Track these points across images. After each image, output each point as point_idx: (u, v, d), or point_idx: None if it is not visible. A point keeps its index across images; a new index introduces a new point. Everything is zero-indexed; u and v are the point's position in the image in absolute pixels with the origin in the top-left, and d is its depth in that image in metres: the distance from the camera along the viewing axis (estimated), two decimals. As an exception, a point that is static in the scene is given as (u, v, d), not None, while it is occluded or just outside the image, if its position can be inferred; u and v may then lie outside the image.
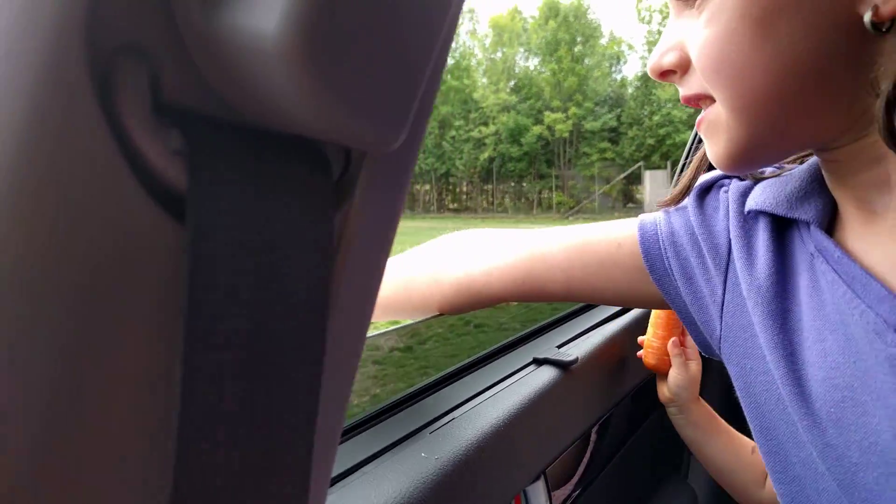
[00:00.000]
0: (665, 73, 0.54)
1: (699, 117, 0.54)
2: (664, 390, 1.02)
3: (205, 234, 0.19)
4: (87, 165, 0.17)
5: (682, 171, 1.34)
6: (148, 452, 0.20)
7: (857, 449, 0.47)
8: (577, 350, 0.90)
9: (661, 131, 42.48)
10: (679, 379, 0.99)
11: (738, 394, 0.60)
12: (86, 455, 0.18)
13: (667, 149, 44.39)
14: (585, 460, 0.97)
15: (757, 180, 0.62)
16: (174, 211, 0.19)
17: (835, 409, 0.48)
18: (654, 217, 0.69)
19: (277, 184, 0.21)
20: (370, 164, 0.25)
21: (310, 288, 0.22)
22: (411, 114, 0.22)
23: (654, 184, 34.28)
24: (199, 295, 0.19)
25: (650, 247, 0.66)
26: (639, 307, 0.80)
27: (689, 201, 0.66)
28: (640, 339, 1.05)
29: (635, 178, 46.12)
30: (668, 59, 0.53)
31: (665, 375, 1.01)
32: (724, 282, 0.60)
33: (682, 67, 0.53)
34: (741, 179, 0.63)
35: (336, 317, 0.25)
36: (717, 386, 1.25)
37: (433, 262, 0.78)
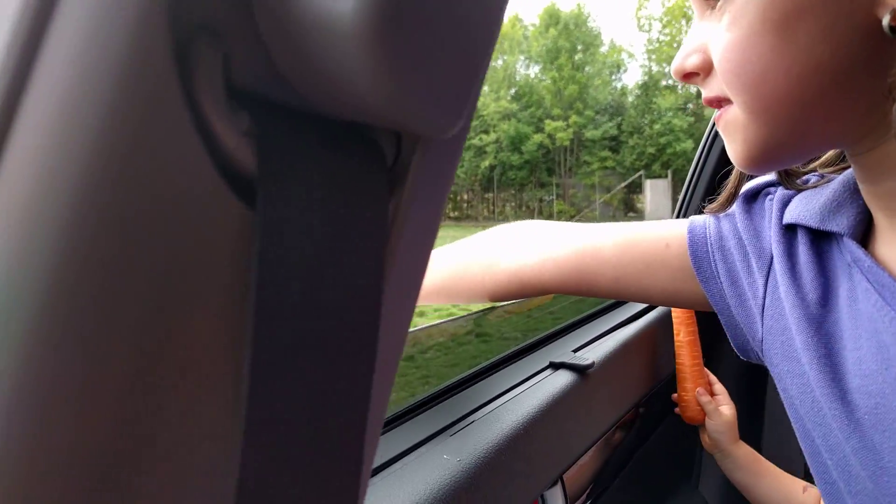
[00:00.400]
0: (688, 76, 0.55)
1: (716, 115, 0.55)
2: (705, 438, 1.04)
3: (273, 219, 0.19)
4: (169, 145, 0.17)
5: (691, 180, 1.34)
6: (221, 426, 0.21)
7: (890, 453, 0.48)
8: (593, 354, 0.90)
9: (662, 140, 42.62)
10: (714, 425, 1.02)
11: (781, 396, 0.61)
12: (166, 428, 0.19)
13: (667, 158, 44.54)
14: (598, 467, 0.96)
15: (799, 190, 0.63)
16: (241, 194, 0.20)
17: (868, 416, 0.49)
18: (703, 220, 0.70)
19: (338, 170, 0.21)
20: (422, 152, 0.25)
21: (366, 274, 0.22)
22: (471, 100, 0.22)
23: (654, 193, 33.99)
24: (268, 275, 0.19)
25: (698, 249, 0.68)
26: (682, 307, 0.83)
27: (736, 207, 0.67)
28: (673, 395, 1.08)
29: (636, 187, 46.16)
30: (692, 62, 0.54)
31: (704, 425, 1.05)
32: (766, 285, 0.61)
33: (705, 70, 0.53)
34: (786, 187, 0.64)
35: (383, 305, 0.25)
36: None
37: (488, 251, 0.80)
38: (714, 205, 0.69)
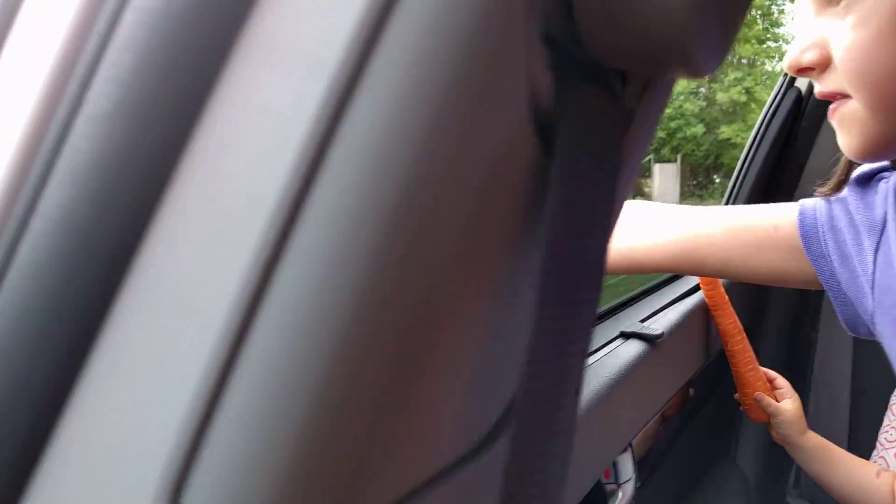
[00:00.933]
0: (803, 70, 0.56)
1: (832, 107, 0.56)
2: (774, 433, 1.06)
3: (568, 161, 0.19)
4: (506, 84, 0.17)
5: (742, 167, 1.35)
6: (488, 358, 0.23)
7: None
8: (659, 325, 0.92)
9: (673, 124, 41.93)
10: (779, 422, 1.03)
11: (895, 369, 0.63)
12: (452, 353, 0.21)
13: (677, 142, 43.97)
14: (651, 438, 0.98)
15: None
16: (540, 136, 0.19)
17: None
18: (813, 203, 0.73)
19: (601, 113, 0.21)
20: (651, 96, 0.24)
21: (606, 220, 0.22)
22: (730, 44, 0.21)
23: (663, 177, 33.58)
24: (559, 220, 0.19)
25: (808, 229, 0.71)
26: (791, 285, 0.86)
27: (847, 191, 0.71)
28: (735, 396, 1.11)
29: (644, 171, 46.03)
30: (808, 57, 0.54)
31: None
32: (874, 261, 0.64)
33: (822, 65, 0.54)
34: None
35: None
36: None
37: None
38: (825, 188, 0.72)
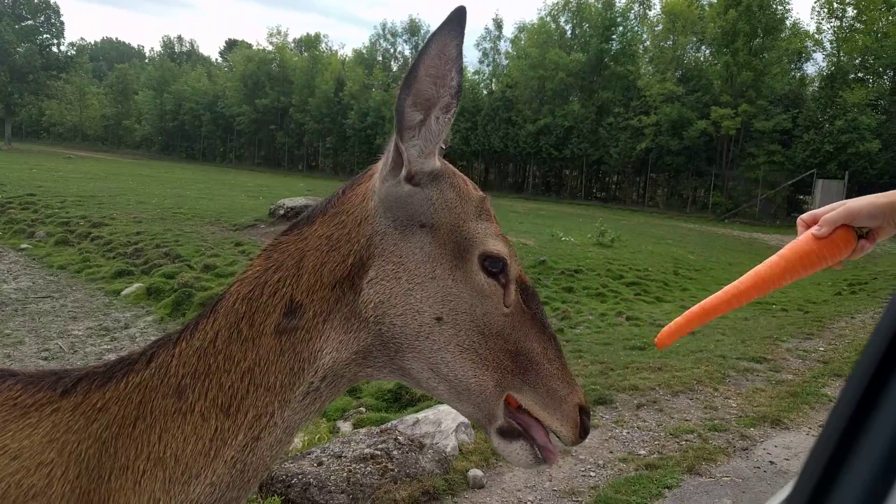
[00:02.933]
0: None
1: None
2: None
3: None
4: None
5: None
6: None
7: None
8: None
9: (844, 138, 35.19)
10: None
11: None
12: None
13: (847, 157, 36.43)
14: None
15: None
16: None
17: None
18: None
19: None
20: None
21: None
22: None
23: (825, 195, 36.38)
24: None
25: None
26: None
27: None
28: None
29: (804, 187, 34.56)
30: None
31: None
32: None
33: None
34: None
35: None
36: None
37: None
38: None
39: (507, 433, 1.33)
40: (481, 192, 1.41)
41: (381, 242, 1.30)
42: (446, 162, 1.41)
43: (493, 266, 1.31)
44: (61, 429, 1.19)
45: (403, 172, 1.30)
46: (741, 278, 1.43)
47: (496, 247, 1.32)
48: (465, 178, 1.41)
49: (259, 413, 1.23)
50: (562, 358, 1.36)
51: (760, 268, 1.41)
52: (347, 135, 64.02)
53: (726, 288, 1.43)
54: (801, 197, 41.72)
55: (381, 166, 1.33)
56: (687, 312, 1.47)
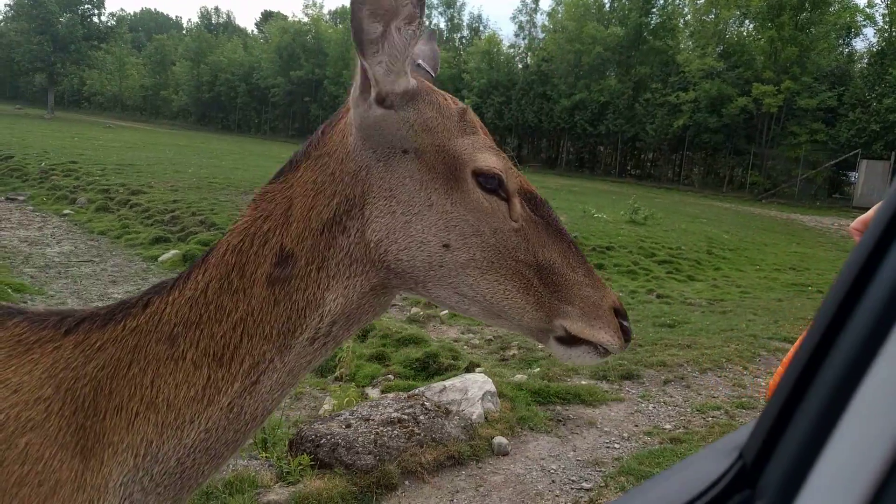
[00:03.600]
0: None
1: None
2: None
3: None
4: None
5: None
6: None
7: None
8: None
9: (892, 117, 33.51)
10: None
11: None
12: None
13: (894, 137, 34.30)
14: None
15: None
16: None
17: None
18: None
19: None
20: None
21: None
22: None
23: (870, 175, 35.09)
24: None
25: None
26: None
27: None
28: None
29: (848, 167, 33.46)
30: None
31: None
32: None
33: None
34: None
35: None
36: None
37: None
38: None
39: (566, 340, 1.30)
40: (462, 104, 1.34)
41: (366, 178, 1.25)
42: (422, 80, 1.34)
43: (489, 183, 1.26)
44: (60, 365, 1.21)
45: (373, 94, 1.23)
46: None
47: (487, 162, 1.26)
48: (444, 93, 1.35)
49: (256, 361, 1.22)
50: (585, 263, 1.31)
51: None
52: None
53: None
54: (844, 176, 40.25)
55: (352, 92, 1.27)
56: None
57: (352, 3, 1.15)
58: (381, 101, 1.24)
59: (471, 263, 1.24)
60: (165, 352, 1.22)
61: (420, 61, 1.54)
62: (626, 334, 1.29)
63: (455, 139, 1.27)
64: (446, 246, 1.24)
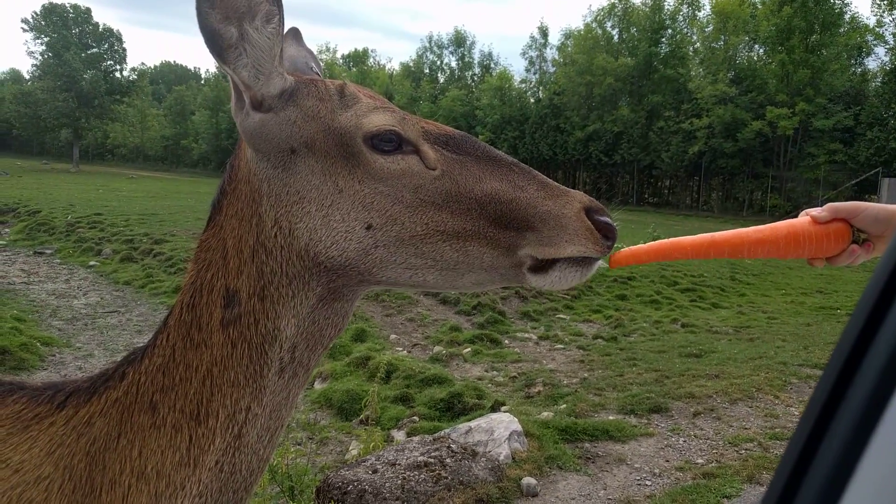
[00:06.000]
0: None
1: None
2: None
3: None
4: None
5: None
6: None
7: None
8: None
9: None
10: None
11: None
12: None
13: None
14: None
15: None
16: None
17: None
18: None
19: None
20: None
21: None
22: None
23: (892, 193, 34.53)
24: None
25: None
26: None
27: None
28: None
29: (869, 186, 33.06)
30: None
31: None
32: None
33: None
34: None
35: None
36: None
37: None
38: None
39: (539, 267, 1.22)
40: (339, 81, 1.29)
41: (270, 189, 1.21)
42: (300, 76, 1.30)
43: (386, 143, 1.20)
44: (56, 443, 1.21)
45: (246, 100, 1.19)
46: (724, 232, 1.34)
47: (373, 122, 1.21)
48: (325, 79, 1.30)
49: (231, 412, 1.20)
50: (536, 178, 1.23)
51: (746, 229, 1.32)
52: (396, 147, 64.64)
53: (704, 235, 1.33)
54: (866, 196, 39.28)
55: (231, 104, 1.23)
56: (655, 242, 1.37)
57: (198, 10, 1.09)
58: (258, 105, 1.20)
59: (405, 233, 1.19)
60: (148, 420, 1.21)
61: (313, 64, 1.52)
62: (604, 231, 1.20)
63: (338, 117, 1.22)
64: (370, 226, 1.18)
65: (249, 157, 1.24)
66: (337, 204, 1.19)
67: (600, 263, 1.25)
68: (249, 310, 1.21)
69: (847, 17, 42.26)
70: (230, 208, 1.26)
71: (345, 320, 1.31)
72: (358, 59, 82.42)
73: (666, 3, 52.41)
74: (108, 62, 65.47)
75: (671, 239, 1.35)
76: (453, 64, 71.94)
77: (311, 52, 1.60)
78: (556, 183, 1.25)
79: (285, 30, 1.24)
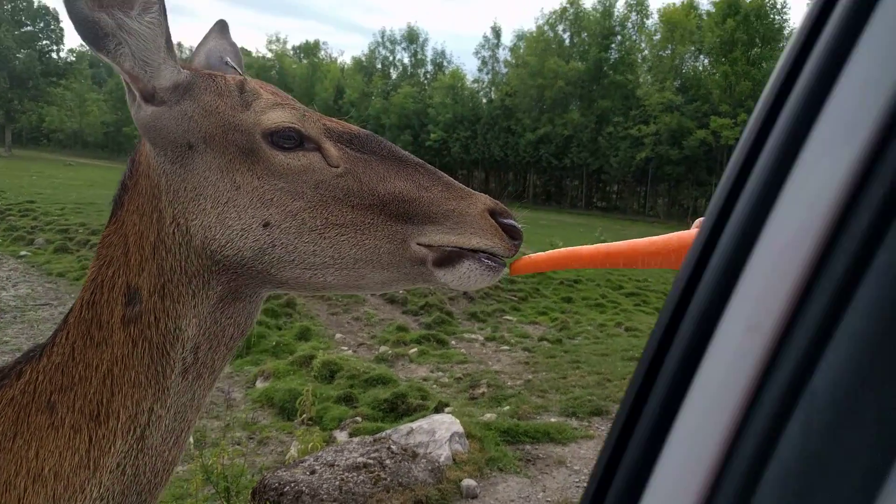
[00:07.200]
0: None
1: None
2: None
3: None
4: None
5: None
6: None
7: None
8: None
9: None
10: None
11: None
12: None
13: None
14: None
15: None
16: None
17: None
18: None
19: None
20: None
21: None
22: None
23: None
24: None
25: None
26: None
27: None
28: None
29: None
30: None
31: None
32: None
33: None
34: None
35: None
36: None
37: None
38: None
39: (445, 261, 1.21)
40: (240, 77, 1.29)
41: (168, 185, 1.19)
42: (197, 69, 1.28)
43: (286, 140, 1.19)
44: None
45: (136, 93, 1.17)
46: (619, 242, 1.38)
47: (273, 118, 1.20)
48: (225, 76, 1.28)
49: (133, 413, 1.17)
50: (441, 179, 1.24)
51: (640, 241, 1.35)
52: (347, 143, 64.22)
53: (601, 245, 1.37)
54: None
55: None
56: (555, 251, 1.39)
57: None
58: (150, 97, 1.18)
59: (304, 230, 1.17)
60: (46, 421, 1.17)
61: (228, 58, 1.50)
62: (510, 233, 1.22)
63: (238, 113, 1.20)
64: (267, 224, 1.17)
65: (148, 152, 1.22)
66: (234, 201, 1.17)
67: (504, 272, 1.25)
68: (150, 308, 1.18)
69: (786, 32, 43.45)
70: (131, 204, 1.23)
71: (249, 320, 1.28)
72: (309, 51, 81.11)
73: (616, 10, 53.51)
74: (44, 42, 62.61)
75: (570, 248, 1.38)
76: (406, 60, 71.75)
77: (234, 47, 1.57)
78: (461, 185, 1.26)
79: (213, 25, 1.23)
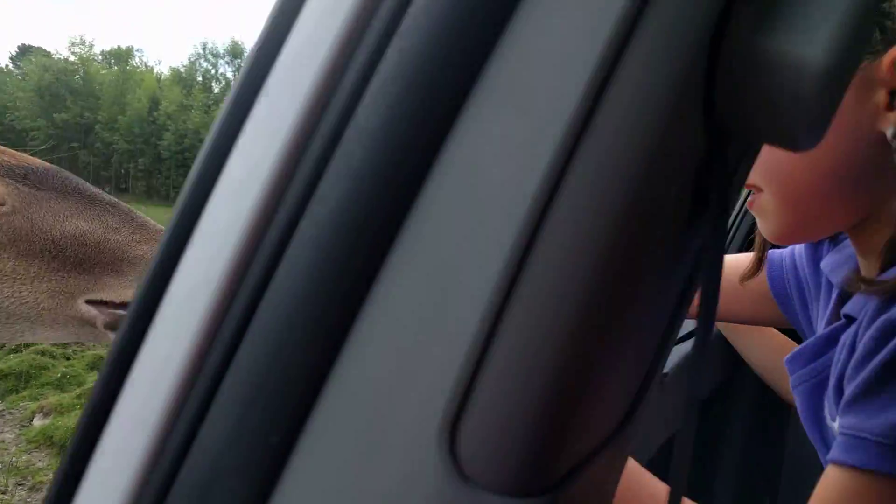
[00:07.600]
0: None
1: (749, 199, 0.67)
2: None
3: (720, 215, 0.27)
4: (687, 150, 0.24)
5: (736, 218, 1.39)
6: None
7: None
8: (667, 365, 0.99)
9: None
10: None
11: None
12: None
13: None
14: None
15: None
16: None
17: None
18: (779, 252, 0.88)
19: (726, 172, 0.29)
20: (748, 158, 0.32)
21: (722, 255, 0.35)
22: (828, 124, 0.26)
23: None
24: (713, 253, 0.29)
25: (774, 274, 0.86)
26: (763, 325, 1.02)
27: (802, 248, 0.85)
28: None
29: None
30: None
31: None
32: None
33: None
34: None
35: None
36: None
37: None
38: (746, 272, 0.83)
39: (117, 326, 1.06)
40: None
41: None
42: None
43: None
44: None
45: None
46: None
47: None
48: None
49: None
50: (134, 219, 1.12)
51: None
52: (163, 157, 60.15)
53: None
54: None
55: None
56: None
57: None
58: None
59: None
60: None
61: None
62: None
63: None
64: None
65: None
66: None
67: None
68: None
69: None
70: None
71: None
72: (120, 57, 75.12)
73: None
74: None
75: None
76: (229, 75, 69.12)
77: None
78: (159, 226, 1.14)
79: None
